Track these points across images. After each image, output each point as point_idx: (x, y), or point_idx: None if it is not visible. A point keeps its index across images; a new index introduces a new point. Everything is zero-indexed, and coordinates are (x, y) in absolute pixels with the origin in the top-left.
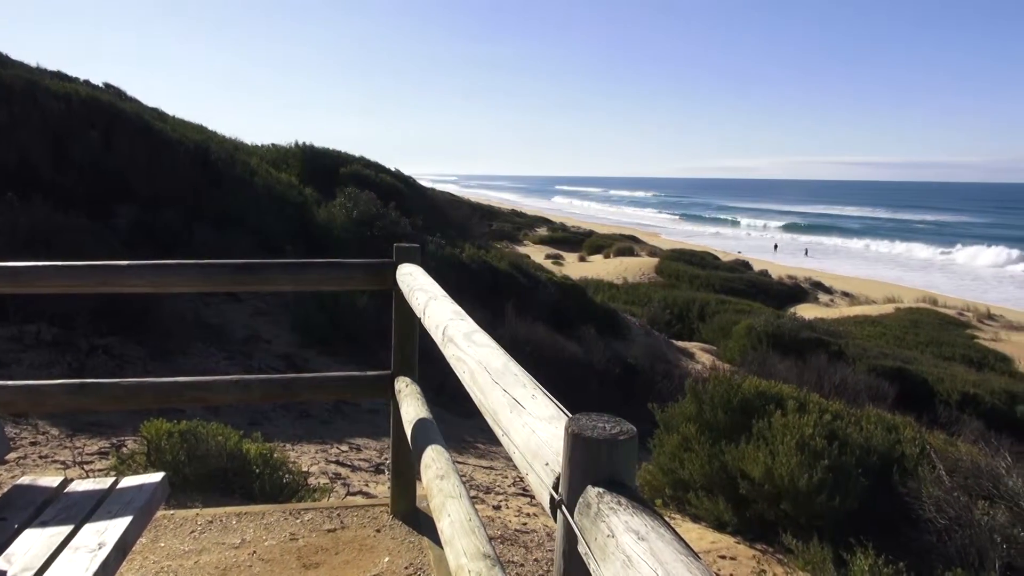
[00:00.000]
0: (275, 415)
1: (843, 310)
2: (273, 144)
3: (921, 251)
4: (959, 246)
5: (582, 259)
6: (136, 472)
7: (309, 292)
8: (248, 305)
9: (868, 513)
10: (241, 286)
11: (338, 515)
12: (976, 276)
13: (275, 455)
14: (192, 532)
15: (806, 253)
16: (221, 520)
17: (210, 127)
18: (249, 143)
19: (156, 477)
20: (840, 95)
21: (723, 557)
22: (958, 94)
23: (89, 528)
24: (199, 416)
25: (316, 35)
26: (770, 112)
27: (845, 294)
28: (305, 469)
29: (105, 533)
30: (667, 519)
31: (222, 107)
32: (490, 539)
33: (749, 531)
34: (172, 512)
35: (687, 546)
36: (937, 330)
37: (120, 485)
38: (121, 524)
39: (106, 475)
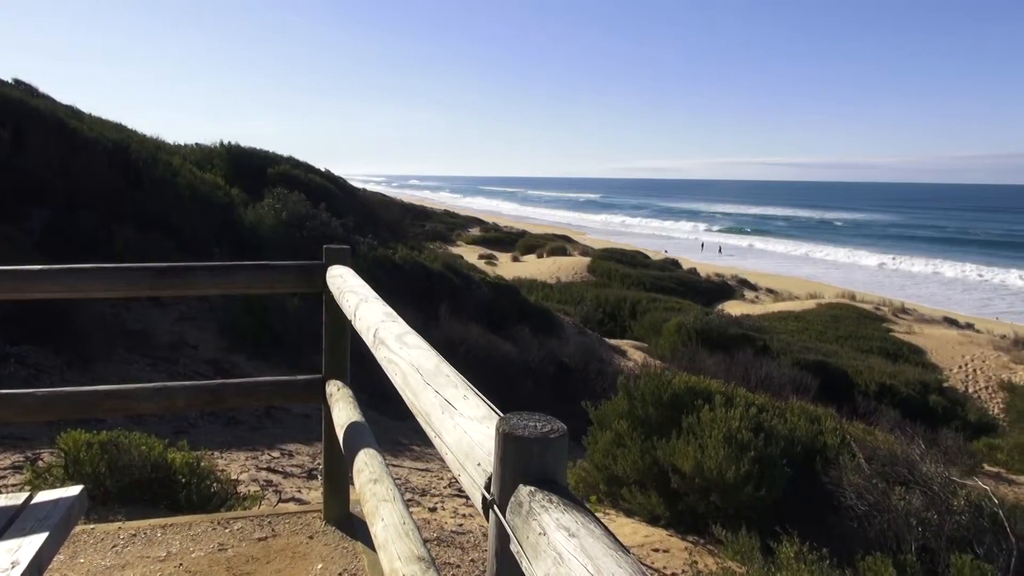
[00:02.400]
0: (202, 422)
1: (768, 306)
2: (197, 144)
3: (841, 249)
4: (877, 245)
5: (515, 259)
6: (53, 486)
7: (237, 295)
8: (173, 310)
9: (793, 502)
10: (164, 290)
11: (269, 523)
12: (887, 272)
13: (202, 464)
14: (114, 547)
15: (715, 249)
16: (145, 533)
17: (130, 126)
18: (171, 142)
19: (74, 491)
20: (765, 97)
21: (656, 550)
22: (874, 96)
23: (1, 547)
24: (121, 426)
25: (240, 32)
26: (698, 113)
27: (770, 291)
28: (234, 477)
29: (19, 551)
30: (601, 515)
31: (142, 105)
32: (426, 541)
33: (681, 524)
34: (92, 527)
35: (617, 541)
36: (856, 324)
37: (35, 500)
38: (36, 541)
39: (20, 490)
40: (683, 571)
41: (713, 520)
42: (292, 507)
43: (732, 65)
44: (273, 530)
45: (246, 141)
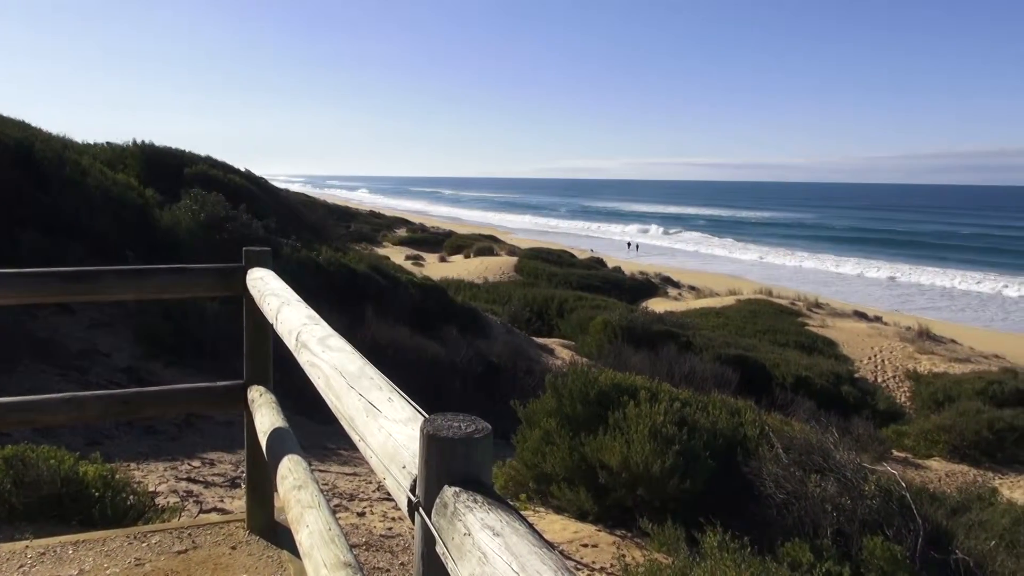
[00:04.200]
0: (117, 433)
1: (690, 303)
2: (108, 143)
3: (757, 247)
4: (792, 243)
5: (443, 259)
6: None
7: (153, 300)
8: (83, 316)
9: (716, 493)
10: (73, 296)
11: (189, 535)
12: (802, 269)
13: (117, 476)
14: (21, 566)
15: (634, 248)
16: (55, 551)
17: (33, 124)
18: (80, 141)
19: None
20: (683, 99)
21: (585, 545)
22: (787, 99)
23: None
24: (28, 439)
25: (153, 28)
26: (619, 114)
27: (692, 288)
28: (152, 489)
29: None
30: (531, 512)
31: (44, 103)
32: (354, 547)
33: (609, 518)
34: None
35: (541, 538)
36: (773, 319)
37: None
38: None
39: None
40: (611, 565)
41: (640, 513)
42: (214, 517)
43: (650, 67)
44: (194, 542)
45: (162, 140)
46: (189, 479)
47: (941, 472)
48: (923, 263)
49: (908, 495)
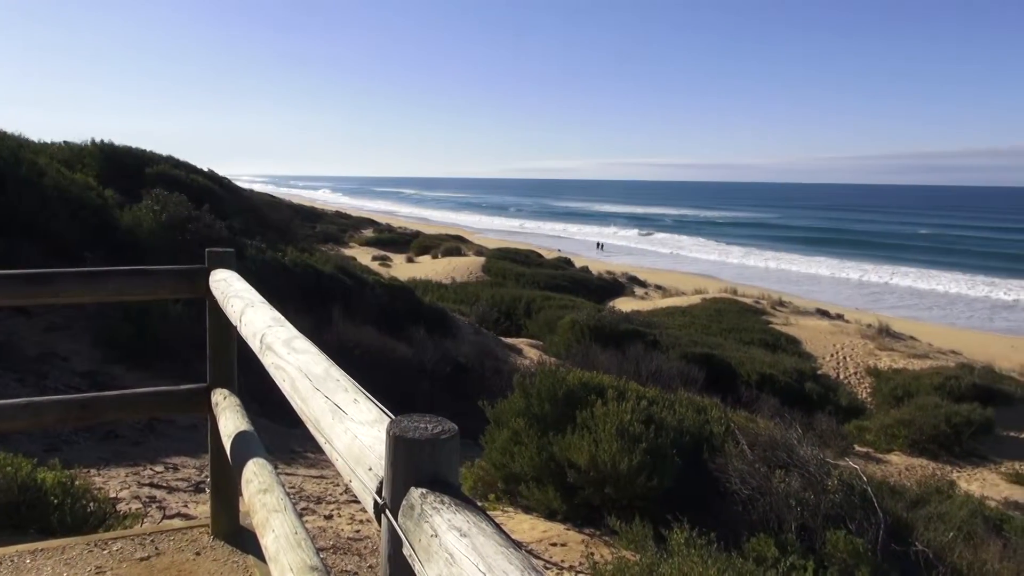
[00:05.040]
0: (77, 439)
1: (656, 302)
2: (65, 142)
3: (723, 246)
4: (757, 242)
5: (410, 260)
6: None
7: (113, 303)
8: (41, 320)
9: (683, 490)
10: (30, 299)
11: (152, 541)
12: (768, 268)
13: (77, 483)
14: None
15: (601, 248)
16: (12, 560)
17: None
18: (36, 140)
19: None
20: (651, 99)
21: (554, 544)
22: (750, 101)
23: None
24: None
25: (112, 29)
26: (588, 115)
27: (658, 287)
28: (113, 495)
29: None
30: (500, 512)
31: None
32: (322, 550)
33: (578, 517)
34: None
35: (508, 538)
36: (738, 317)
37: None
38: None
39: None
40: (580, 563)
41: (608, 512)
42: (178, 523)
43: (615, 69)
44: (157, 548)
45: (122, 140)
46: (152, 484)
47: (901, 466)
48: (889, 263)
49: (869, 489)
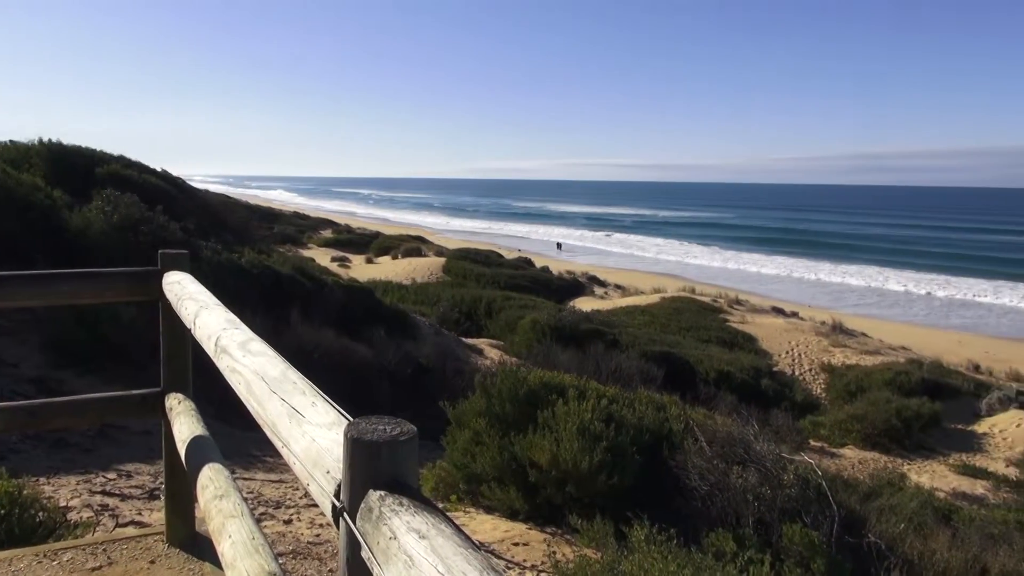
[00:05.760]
0: (24, 446)
1: (616, 301)
2: (11, 141)
3: (681, 245)
4: (715, 241)
5: (369, 261)
6: None
7: (63, 306)
8: None
9: (644, 487)
10: None
11: (104, 551)
12: (726, 268)
13: (25, 492)
14: None
15: (561, 247)
16: None
17: None
18: None
19: None
20: (607, 101)
21: (516, 544)
22: (706, 102)
23: None
24: None
25: (65, 25)
26: (545, 116)
27: (618, 286)
28: (64, 504)
29: None
30: (461, 513)
31: None
32: (281, 555)
33: (540, 516)
34: None
35: (468, 539)
36: (696, 316)
37: None
38: None
39: None
40: (542, 562)
41: (570, 510)
42: (131, 531)
43: (580, 70)
44: (109, 558)
45: (72, 140)
46: (104, 492)
47: (854, 459)
48: (847, 262)
49: (824, 483)
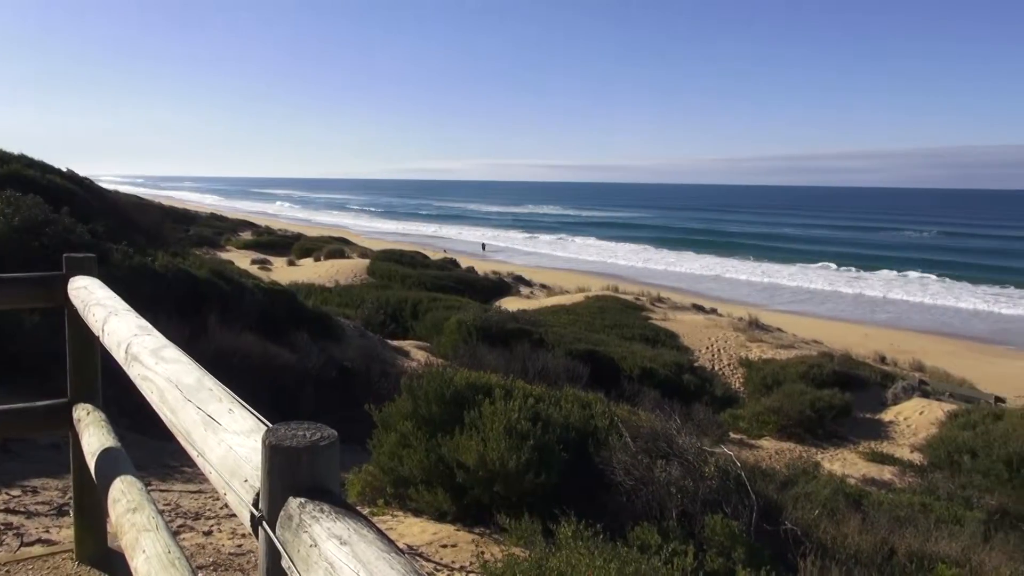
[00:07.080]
0: None
1: (542, 301)
2: None
3: (606, 244)
4: (637, 240)
5: (291, 263)
6: None
7: None
8: None
9: (570, 484)
10: None
11: (7, 572)
12: (647, 266)
13: None
14: None
15: (487, 248)
16: None
17: None
18: None
19: None
20: (533, 102)
21: (444, 546)
22: (629, 104)
23: None
24: None
25: None
26: (470, 117)
27: (543, 286)
28: None
29: None
30: (389, 517)
31: None
32: (201, 568)
33: (468, 517)
34: None
35: (391, 544)
36: (620, 314)
37: None
38: None
39: None
40: (470, 563)
41: (498, 510)
42: (38, 550)
43: (507, 71)
44: None
45: None
46: (7, 510)
47: (771, 450)
48: (770, 260)
49: (743, 474)
